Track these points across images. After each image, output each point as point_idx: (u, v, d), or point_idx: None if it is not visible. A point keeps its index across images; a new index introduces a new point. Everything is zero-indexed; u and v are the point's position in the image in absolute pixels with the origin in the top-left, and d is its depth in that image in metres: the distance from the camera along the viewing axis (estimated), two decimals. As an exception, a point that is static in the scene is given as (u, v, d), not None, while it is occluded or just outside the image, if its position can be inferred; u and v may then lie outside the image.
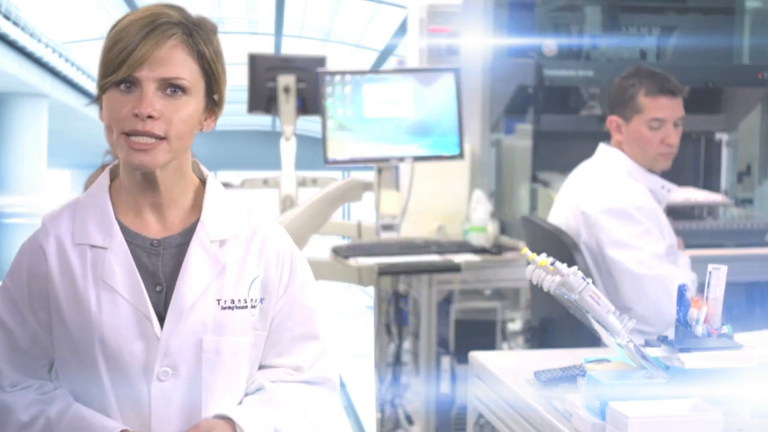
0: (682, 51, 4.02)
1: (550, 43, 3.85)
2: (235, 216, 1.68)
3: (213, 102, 1.64)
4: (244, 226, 1.68)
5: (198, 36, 1.60)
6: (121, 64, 1.54)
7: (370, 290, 3.98)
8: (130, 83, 1.56)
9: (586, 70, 3.79)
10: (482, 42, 4.01)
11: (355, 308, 9.80)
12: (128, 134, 1.55)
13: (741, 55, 4.08)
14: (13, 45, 12.15)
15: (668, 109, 2.83)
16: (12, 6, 11.63)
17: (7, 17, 11.55)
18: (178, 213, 1.66)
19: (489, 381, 2.29)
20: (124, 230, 1.63)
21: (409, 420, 3.84)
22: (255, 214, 1.72)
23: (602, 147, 2.99)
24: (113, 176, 1.69)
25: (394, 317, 3.88)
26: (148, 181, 1.62)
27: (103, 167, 1.74)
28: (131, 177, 1.63)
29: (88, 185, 1.73)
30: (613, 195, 2.87)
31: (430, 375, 3.73)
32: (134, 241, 1.63)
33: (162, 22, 1.57)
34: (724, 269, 2.00)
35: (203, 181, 1.70)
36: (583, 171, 3.02)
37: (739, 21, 4.07)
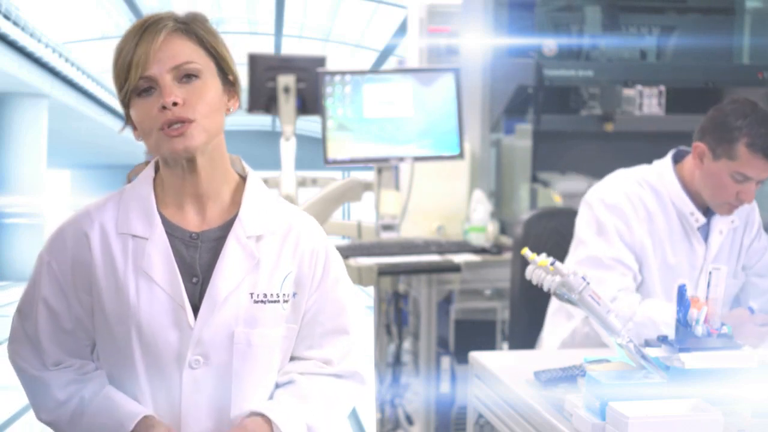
0: (682, 51, 4.02)
1: (550, 43, 3.85)
2: (273, 212, 1.73)
3: (230, 83, 1.69)
4: (281, 222, 1.73)
5: (190, 24, 1.66)
6: (128, 69, 1.60)
7: (370, 290, 3.98)
8: (148, 87, 1.61)
9: (586, 70, 3.79)
10: (482, 42, 4.01)
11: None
12: (161, 128, 1.60)
13: (741, 55, 4.09)
14: (13, 45, 12.16)
15: (762, 171, 2.53)
16: (12, 6, 11.64)
17: (7, 17, 11.56)
18: (218, 207, 1.71)
19: (489, 381, 2.30)
20: (165, 222, 1.69)
21: (409, 420, 3.84)
22: (292, 210, 1.77)
23: (666, 160, 2.72)
24: (157, 169, 1.74)
25: (394, 317, 3.88)
26: (189, 170, 1.66)
27: (146, 162, 1.78)
28: (172, 171, 1.68)
29: (130, 178, 1.77)
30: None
31: (430, 375, 3.73)
32: (174, 233, 1.69)
33: (152, 21, 1.63)
34: (724, 269, 2.00)
35: (244, 178, 1.75)
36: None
37: (739, 21, 4.07)
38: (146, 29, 1.61)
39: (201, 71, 1.63)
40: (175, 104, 1.59)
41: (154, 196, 1.70)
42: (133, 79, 1.59)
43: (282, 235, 1.72)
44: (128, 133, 1.72)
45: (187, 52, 1.63)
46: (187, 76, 1.62)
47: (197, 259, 1.68)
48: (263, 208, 1.72)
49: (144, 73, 1.59)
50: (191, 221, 1.70)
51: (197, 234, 1.69)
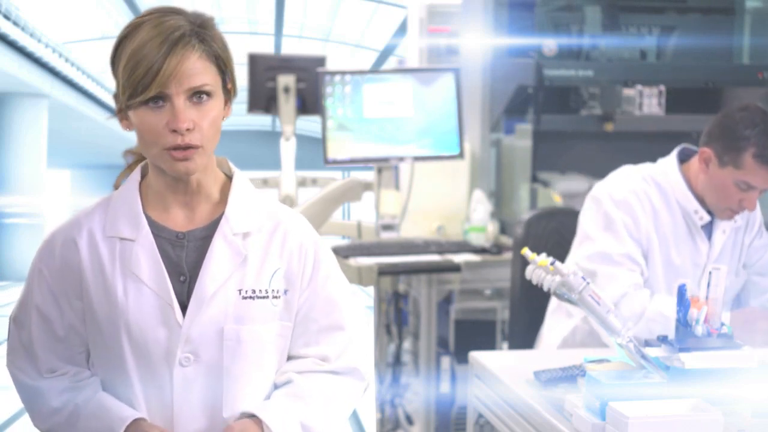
0: (682, 51, 4.02)
1: (550, 43, 3.85)
2: (259, 210, 1.74)
3: (227, 92, 1.69)
4: (268, 219, 1.74)
5: (209, 37, 1.64)
6: (149, 83, 1.58)
7: (370, 290, 3.98)
8: (158, 98, 1.60)
9: (586, 70, 3.79)
10: (482, 42, 4.01)
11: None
12: (167, 148, 1.61)
13: (741, 55, 4.09)
14: (13, 45, 12.17)
15: (767, 181, 2.54)
16: (12, 6, 11.64)
17: (7, 17, 11.57)
18: (205, 207, 1.72)
19: (489, 381, 2.30)
20: (152, 223, 1.70)
21: (409, 420, 3.84)
22: (279, 208, 1.78)
23: (671, 158, 2.72)
24: (144, 173, 1.75)
25: (394, 317, 3.88)
26: (180, 182, 1.68)
27: (128, 167, 1.79)
28: (162, 178, 1.69)
29: (117, 185, 1.80)
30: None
31: (430, 375, 3.73)
32: (161, 233, 1.70)
33: (179, 35, 1.60)
34: (724, 269, 2.00)
35: (230, 177, 1.76)
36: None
37: (739, 21, 4.07)
38: (175, 45, 1.58)
39: (212, 92, 1.63)
40: (188, 129, 1.60)
41: (141, 199, 1.72)
42: (152, 92, 1.58)
43: (269, 232, 1.73)
44: (124, 131, 1.71)
45: (204, 73, 1.61)
46: (198, 96, 1.61)
47: (184, 258, 1.70)
48: (250, 206, 1.73)
49: (163, 90, 1.58)
50: (178, 221, 1.71)
51: (183, 234, 1.70)
